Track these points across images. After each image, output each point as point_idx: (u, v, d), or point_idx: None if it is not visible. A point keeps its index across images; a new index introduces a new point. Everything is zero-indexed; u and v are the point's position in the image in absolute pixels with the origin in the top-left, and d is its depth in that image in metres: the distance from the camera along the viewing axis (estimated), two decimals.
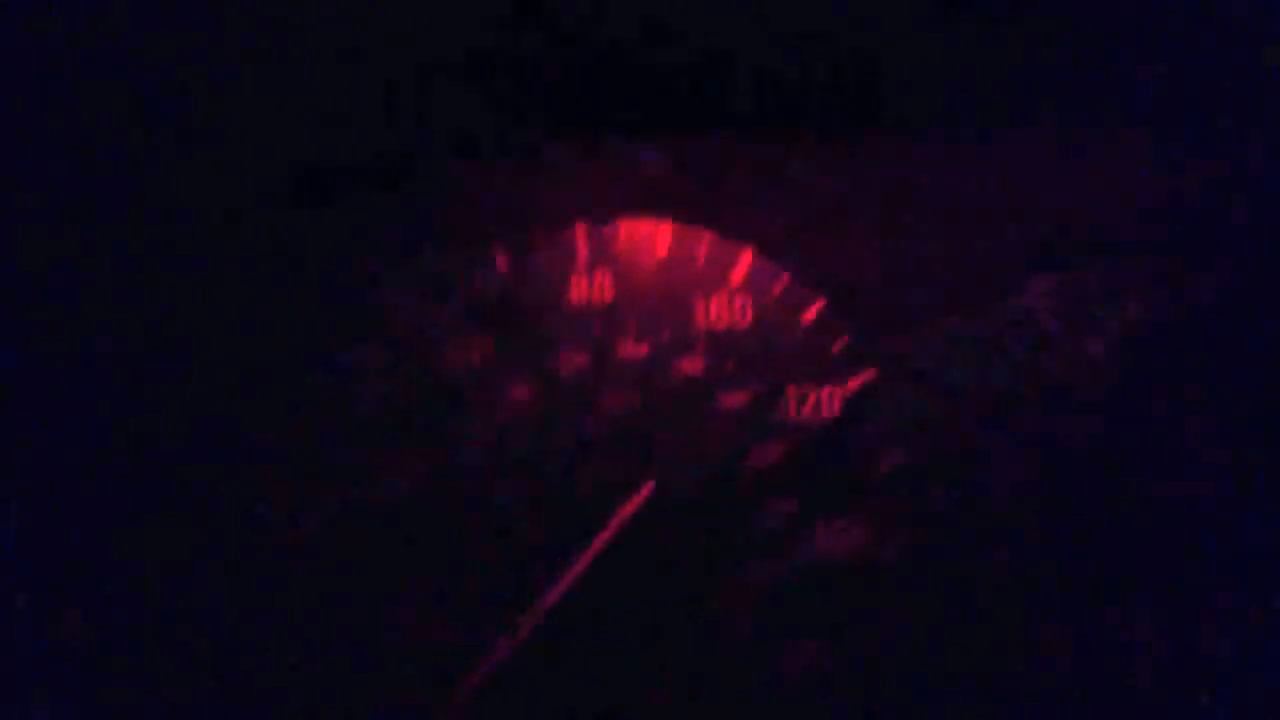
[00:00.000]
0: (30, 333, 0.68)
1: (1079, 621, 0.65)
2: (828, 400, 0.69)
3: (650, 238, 0.71)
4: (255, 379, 0.69)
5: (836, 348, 0.69)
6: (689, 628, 0.66)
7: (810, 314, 0.70)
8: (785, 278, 0.70)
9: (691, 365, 0.69)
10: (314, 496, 0.68)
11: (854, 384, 0.68)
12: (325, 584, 0.67)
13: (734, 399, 0.69)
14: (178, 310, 0.69)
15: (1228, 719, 0.63)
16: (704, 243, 0.70)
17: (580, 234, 0.71)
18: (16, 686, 0.62)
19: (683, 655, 0.65)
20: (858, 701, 0.65)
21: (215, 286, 0.70)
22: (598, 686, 0.65)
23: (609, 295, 0.70)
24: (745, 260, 0.70)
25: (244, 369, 0.69)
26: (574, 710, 0.65)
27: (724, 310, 0.70)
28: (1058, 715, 0.65)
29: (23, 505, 0.65)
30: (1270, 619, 0.64)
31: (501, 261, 0.71)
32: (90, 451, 0.67)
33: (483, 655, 0.63)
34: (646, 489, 0.66)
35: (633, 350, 0.70)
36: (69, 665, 0.64)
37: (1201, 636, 0.64)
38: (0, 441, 0.66)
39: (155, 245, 0.70)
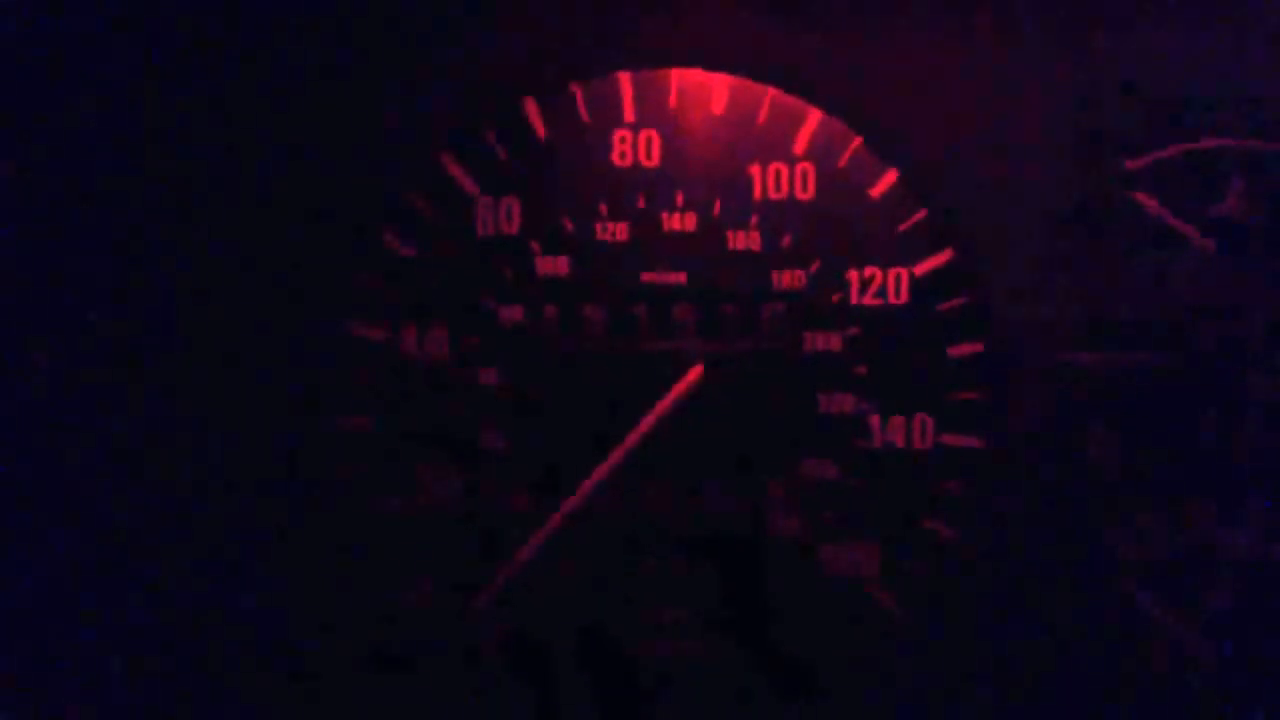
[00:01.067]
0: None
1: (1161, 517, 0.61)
2: (894, 285, 0.62)
3: (705, 92, 0.63)
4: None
5: (906, 226, 0.62)
6: (735, 521, 0.61)
7: (880, 187, 0.62)
8: (855, 144, 0.62)
9: (745, 240, 0.62)
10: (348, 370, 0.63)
11: (925, 268, 0.62)
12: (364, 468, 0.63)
13: (791, 279, 0.62)
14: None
15: None
16: (766, 101, 0.62)
17: (624, 85, 0.63)
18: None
19: (728, 550, 0.62)
20: (905, 606, 0.62)
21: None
22: (637, 580, 0.62)
23: (655, 157, 0.63)
24: (811, 123, 0.62)
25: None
26: (612, 603, 0.62)
27: (784, 179, 0.62)
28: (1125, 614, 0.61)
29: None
30: None
31: (533, 115, 0.63)
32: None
33: (522, 546, 0.59)
34: (693, 373, 0.60)
35: (680, 221, 0.62)
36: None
37: None
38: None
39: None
